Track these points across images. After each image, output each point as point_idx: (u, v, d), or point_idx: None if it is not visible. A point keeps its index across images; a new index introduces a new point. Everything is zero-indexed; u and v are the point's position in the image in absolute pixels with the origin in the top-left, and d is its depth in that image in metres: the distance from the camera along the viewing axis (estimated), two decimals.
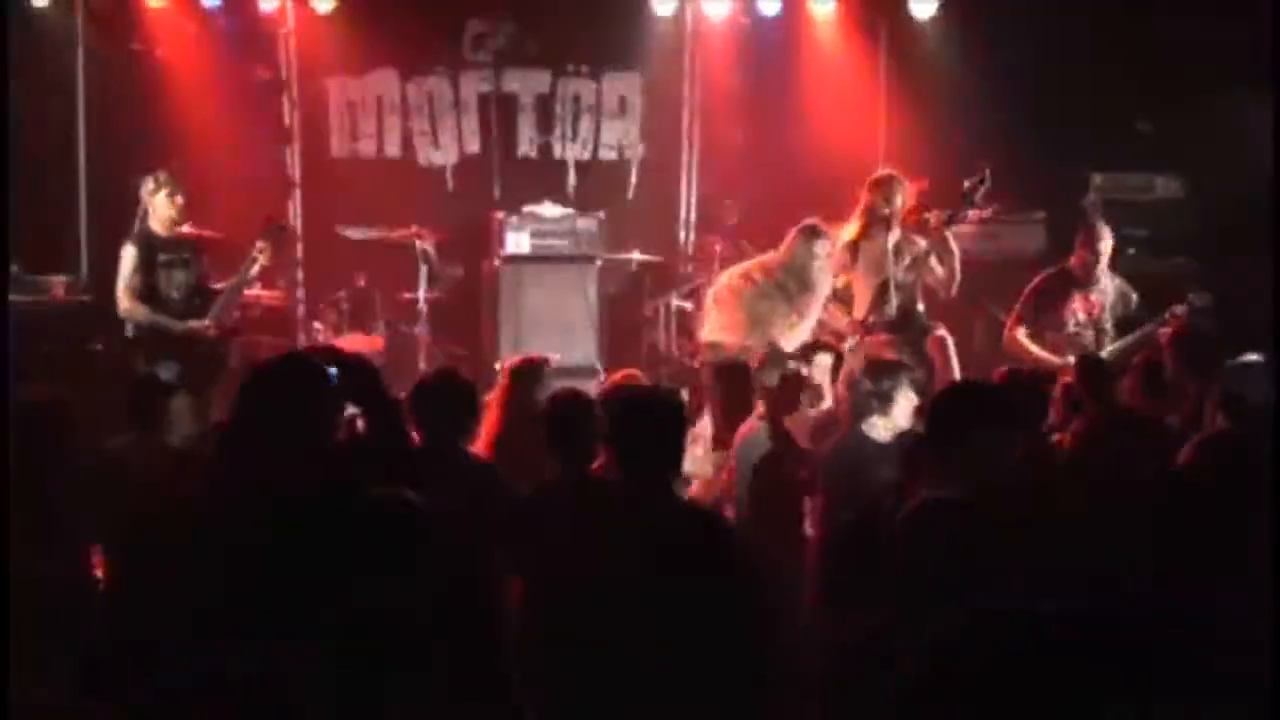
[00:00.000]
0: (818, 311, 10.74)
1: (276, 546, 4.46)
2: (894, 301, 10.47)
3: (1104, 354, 10.45)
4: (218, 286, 10.96)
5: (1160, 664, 3.84)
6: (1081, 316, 10.73)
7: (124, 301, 10.86)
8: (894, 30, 14.23)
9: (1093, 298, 10.75)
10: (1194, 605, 4.17)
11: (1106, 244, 10.77)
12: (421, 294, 12.64)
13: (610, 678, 4.84)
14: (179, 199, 10.90)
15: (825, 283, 10.74)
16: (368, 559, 4.23)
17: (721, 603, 4.54)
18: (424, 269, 12.70)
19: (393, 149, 14.49)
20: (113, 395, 9.17)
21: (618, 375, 9.68)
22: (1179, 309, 10.43)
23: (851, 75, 14.34)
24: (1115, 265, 10.91)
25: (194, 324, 10.78)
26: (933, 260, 10.63)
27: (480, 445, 7.53)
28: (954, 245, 10.63)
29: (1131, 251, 11.03)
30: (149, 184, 10.98)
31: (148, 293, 10.84)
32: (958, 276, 10.65)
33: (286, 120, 14.12)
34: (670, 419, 5.72)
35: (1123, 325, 10.69)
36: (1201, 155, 13.12)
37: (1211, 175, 13.04)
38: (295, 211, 14.04)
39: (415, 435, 6.80)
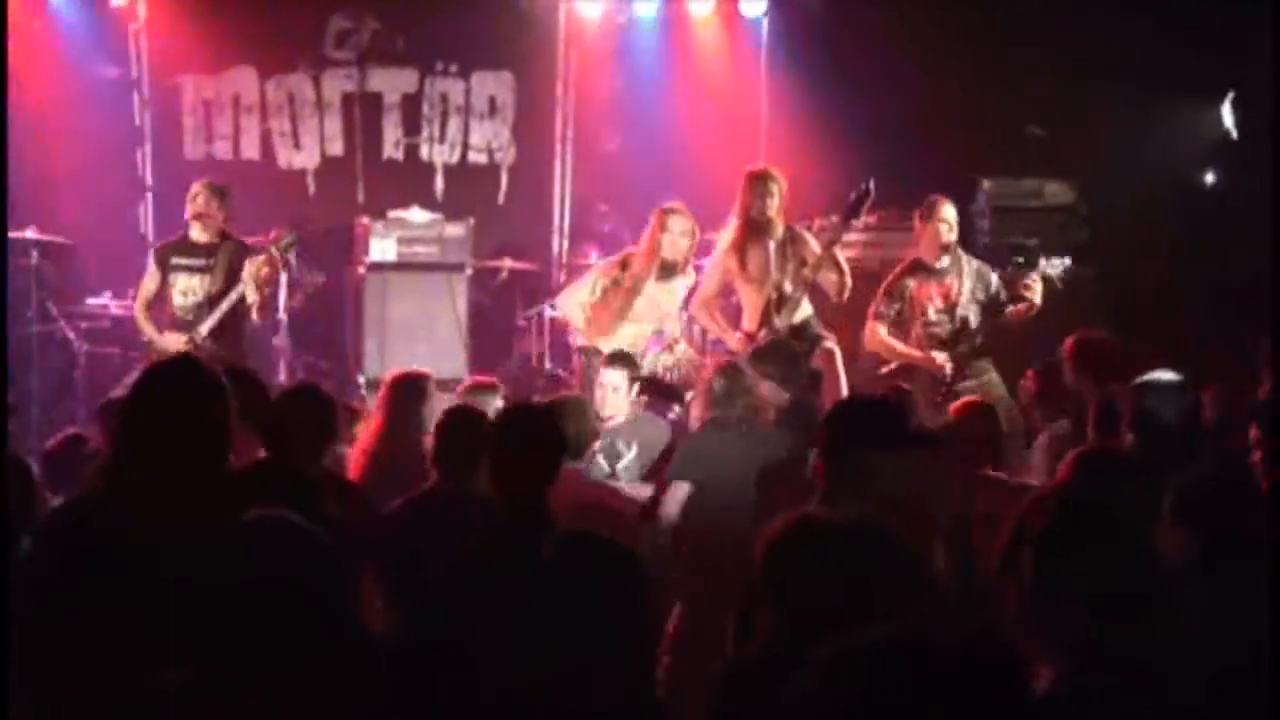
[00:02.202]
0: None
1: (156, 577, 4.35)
2: (784, 314, 10.35)
3: (964, 346, 10.48)
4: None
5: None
6: (939, 303, 10.70)
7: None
8: (775, 31, 14.21)
9: (947, 281, 10.72)
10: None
11: (951, 211, 10.78)
12: (281, 303, 12.42)
13: (475, 697, 4.73)
14: (199, 203, 11.01)
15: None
16: (252, 589, 4.07)
17: (601, 630, 4.42)
18: (283, 277, 12.48)
19: (250, 151, 14.39)
20: None
21: (466, 383, 9.54)
22: (1029, 282, 10.47)
23: (731, 77, 14.33)
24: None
25: (169, 337, 10.87)
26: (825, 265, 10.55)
27: (354, 457, 7.64)
28: (842, 262, 10.55)
29: (1021, 260, 11.01)
30: (194, 187, 11.16)
31: (155, 301, 11.11)
32: (849, 284, 10.55)
33: (137, 121, 14.02)
34: (547, 436, 5.67)
35: (987, 309, 10.67)
36: (1094, 160, 13.16)
37: (1104, 181, 13.07)
38: (147, 217, 13.84)
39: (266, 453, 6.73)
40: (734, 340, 10.53)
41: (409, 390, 8.28)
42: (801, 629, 4.16)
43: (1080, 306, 11.49)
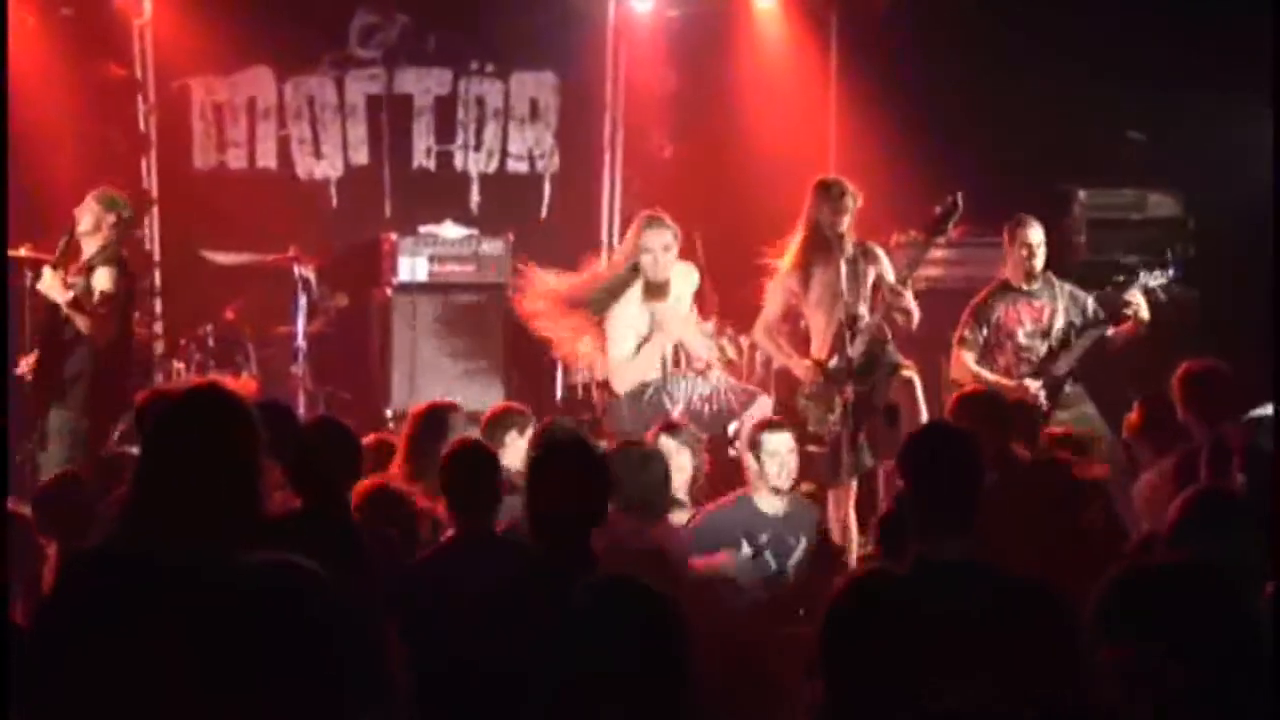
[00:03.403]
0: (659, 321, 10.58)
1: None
2: (858, 342, 10.29)
3: (1058, 370, 10.44)
4: None
5: None
6: (1030, 326, 10.73)
7: None
8: (846, 24, 14.21)
9: (1038, 304, 10.73)
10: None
11: (1036, 234, 10.78)
12: (300, 328, 12.50)
13: None
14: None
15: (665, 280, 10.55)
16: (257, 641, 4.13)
17: (651, 692, 4.49)
18: (303, 299, 12.57)
19: (267, 160, 14.38)
20: None
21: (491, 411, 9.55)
22: (1131, 295, 10.44)
23: (798, 75, 14.32)
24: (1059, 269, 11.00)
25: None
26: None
27: None
28: (913, 307, 10.45)
29: (1121, 279, 10.99)
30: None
31: None
32: (917, 315, 10.48)
33: (142, 126, 14.01)
34: (590, 473, 5.67)
35: (1083, 333, 10.67)
36: (1201, 168, 13.12)
37: (1213, 191, 13.03)
38: (152, 232, 13.87)
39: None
40: (802, 368, 10.49)
41: (428, 425, 8.33)
42: (855, 701, 4.18)
43: (1186, 332, 11.48)
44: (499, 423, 9.03)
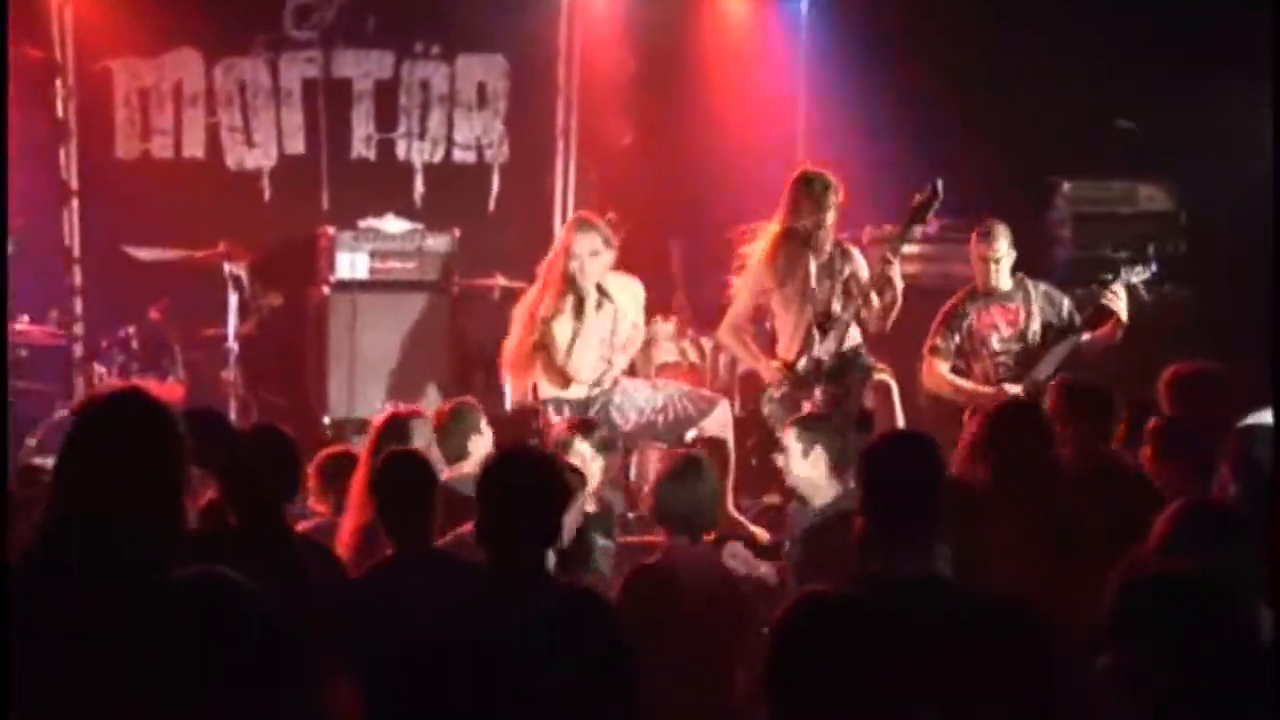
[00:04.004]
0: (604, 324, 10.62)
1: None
2: (829, 340, 10.33)
3: (1039, 374, 10.45)
4: None
5: None
6: (1005, 330, 10.70)
7: None
8: (818, 3, 14.22)
9: (1011, 306, 10.73)
10: None
11: (999, 248, 10.74)
12: (231, 330, 12.47)
13: None
14: None
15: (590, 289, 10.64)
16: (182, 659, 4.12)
17: (604, 699, 4.52)
18: (234, 298, 12.53)
19: (195, 149, 14.27)
20: None
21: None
22: (1111, 293, 10.47)
23: (765, 58, 14.36)
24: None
25: None
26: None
27: (352, 510, 7.65)
28: (898, 280, 10.49)
29: (1109, 277, 11.01)
30: None
31: None
32: (897, 308, 10.53)
33: (60, 112, 13.90)
34: (542, 487, 5.66)
35: (1060, 335, 10.69)
36: (1195, 159, 13.14)
37: (1207, 184, 13.06)
38: (71, 227, 13.80)
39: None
40: (770, 370, 10.50)
41: (389, 435, 8.31)
42: None
43: (1177, 332, 11.52)
44: (455, 429, 9.02)
